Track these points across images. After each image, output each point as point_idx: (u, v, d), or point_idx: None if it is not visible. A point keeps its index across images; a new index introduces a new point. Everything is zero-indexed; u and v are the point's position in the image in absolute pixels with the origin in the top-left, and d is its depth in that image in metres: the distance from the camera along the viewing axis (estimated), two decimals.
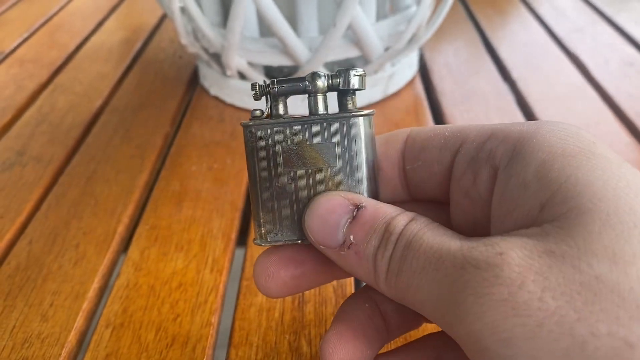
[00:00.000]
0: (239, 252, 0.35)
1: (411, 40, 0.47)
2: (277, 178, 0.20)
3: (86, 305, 0.31)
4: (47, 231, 0.36)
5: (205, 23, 0.44)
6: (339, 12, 0.40)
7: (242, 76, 0.48)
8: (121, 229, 0.36)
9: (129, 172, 0.42)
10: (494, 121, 0.46)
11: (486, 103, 0.49)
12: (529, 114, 0.47)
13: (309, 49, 0.44)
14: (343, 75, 0.20)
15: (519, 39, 0.61)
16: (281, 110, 0.20)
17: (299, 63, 0.44)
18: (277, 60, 0.45)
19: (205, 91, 0.52)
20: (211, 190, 0.39)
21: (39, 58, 0.61)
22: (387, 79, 0.49)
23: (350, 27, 0.42)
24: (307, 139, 0.19)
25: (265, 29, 0.45)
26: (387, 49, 0.46)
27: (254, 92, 0.20)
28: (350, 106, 0.20)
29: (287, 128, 0.20)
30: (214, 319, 0.30)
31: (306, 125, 0.20)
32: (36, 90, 0.55)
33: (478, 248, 0.15)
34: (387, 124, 0.46)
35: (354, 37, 0.44)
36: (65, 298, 0.31)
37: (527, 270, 0.14)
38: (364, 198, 0.19)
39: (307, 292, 0.31)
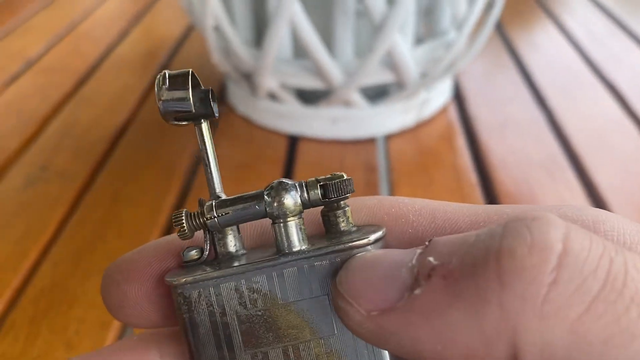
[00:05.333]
0: None
1: (449, 67, 0.46)
2: None
3: (112, 334, 0.30)
4: (71, 253, 0.35)
5: (238, 43, 0.43)
6: (377, 37, 0.39)
7: (271, 96, 0.47)
8: None
9: (155, 192, 0.41)
10: (531, 152, 0.45)
11: (522, 132, 0.48)
12: (566, 145, 0.46)
13: (343, 72, 0.43)
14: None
15: (553, 65, 0.60)
16: (231, 247, 0.13)
17: (332, 86, 0.43)
18: (310, 82, 0.44)
19: (232, 109, 0.51)
20: None
21: (64, 67, 0.61)
22: (421, 105, 0.48)
23: (387, 52, 0.41)
24: (279, 295, 0.12)
25: (299, 51, 0.44)
26: (422, 74, 0.45)
27: (179, 226, 0.12)
28: (343, 225, 0.13)
29: (243, 281, 0.12)
30: None
31: (274, 273, 0.12)
32: (61, 101, 0.54)
33: None
34: (421, 151, 0.45)
35: (389, 62, 0.43)
36: (91, 326, 0.30)
37: None
38: None
39: None
